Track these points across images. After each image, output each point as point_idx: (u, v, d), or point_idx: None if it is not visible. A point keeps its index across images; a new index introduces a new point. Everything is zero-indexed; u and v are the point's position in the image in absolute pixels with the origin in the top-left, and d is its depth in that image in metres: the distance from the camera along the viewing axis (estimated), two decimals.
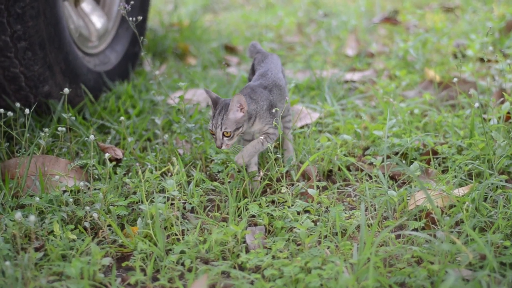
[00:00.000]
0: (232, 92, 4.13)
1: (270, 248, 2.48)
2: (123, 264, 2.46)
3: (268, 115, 2.90)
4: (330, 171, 3.21)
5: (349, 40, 5.68)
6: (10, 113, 3.11)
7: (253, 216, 2.80)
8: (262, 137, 2.87)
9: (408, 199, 2.75)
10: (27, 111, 3.10)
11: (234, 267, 2.41)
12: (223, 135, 2.75)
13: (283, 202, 2.86)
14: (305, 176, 3.10)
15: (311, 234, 2.51)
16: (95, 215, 2.58)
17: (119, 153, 3.30)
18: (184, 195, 2.87)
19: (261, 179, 2.98)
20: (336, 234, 2.58)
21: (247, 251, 2.52)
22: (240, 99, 2.73)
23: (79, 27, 3.92)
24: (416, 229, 2.57)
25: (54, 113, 3.58)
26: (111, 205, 2.80)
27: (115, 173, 3.14)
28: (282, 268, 2.28)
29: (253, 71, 3.19)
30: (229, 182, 2.95)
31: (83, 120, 3.69)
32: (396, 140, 3.21)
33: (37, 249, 2.51)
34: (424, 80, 4.35)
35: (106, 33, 4.20)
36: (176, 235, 2.61)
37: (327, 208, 2.81)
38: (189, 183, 3.04)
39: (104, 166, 3.05)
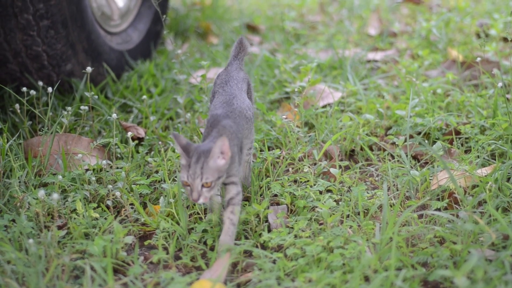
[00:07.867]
0: (254, 71, 4.11)
1: (292, 228, 2.48)
2: (146, 243, 2.47)
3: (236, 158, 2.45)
4: (353, 150, 3.20)
5: (371, 19, 5.64)
6: (33, 92, 3.12)
7: (275, 195, 2.80)
8: (231, 216, 2.38)
9: (430, 179, 2.73)
10: (49, 89, 3.11)
11: (256, 246, 2.41)
12: (202, 186, 2.26)
13: (305, 182, 2.85)
14: (328, 156, 3.09)
15: (333, 214, 2.51)
16: (117, 193, 2.59)
17: (141, 132, 3.30)
18: None
19: (283, 158, 2.97)
20: (359, 214, 2.57)
21: (269, 230, 2.53)
22: (224, 144, 2.26)
23: (101, 5, 3.92)
24: (438, 209, 2.56)
25: (76, 91, 3.59)
26: (134, 184, 2.81)
27: (137, 152, 3.15)
28: (304, 247, 2.28)
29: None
30: (252, 161, 2.95)
31: (105, 98, 3.70)
32: (419, 120, 3.19)
33: (60, 227, 2.52)
34: (447, 59, 4.32)
35: (128, 11, 4.20)
36: (198, 214, 2.62)
37: (349, 187, 2.81)
38: None
39: (127, 144, 3.06)
